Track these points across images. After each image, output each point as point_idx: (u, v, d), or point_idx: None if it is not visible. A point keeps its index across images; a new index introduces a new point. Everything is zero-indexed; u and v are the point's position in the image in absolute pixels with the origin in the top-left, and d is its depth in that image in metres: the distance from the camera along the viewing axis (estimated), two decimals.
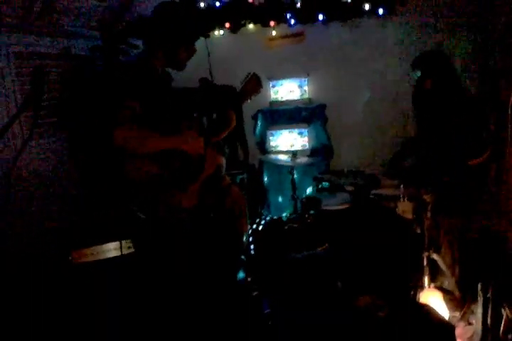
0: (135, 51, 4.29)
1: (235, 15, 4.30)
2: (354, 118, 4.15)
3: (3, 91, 3.27)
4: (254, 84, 2.72)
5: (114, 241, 2.61)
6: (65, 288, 2.54)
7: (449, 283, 2.84)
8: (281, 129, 4.03)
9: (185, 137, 2.28)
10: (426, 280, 2.73)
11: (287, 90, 4.14)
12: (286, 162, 3.44)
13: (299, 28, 4.22)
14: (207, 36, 4.27)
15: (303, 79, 4.12)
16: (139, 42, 4.37)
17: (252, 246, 3.39)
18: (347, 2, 4.03)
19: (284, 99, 4.16)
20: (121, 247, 2.63)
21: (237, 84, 2.80)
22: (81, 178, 3.73)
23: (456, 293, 2.78)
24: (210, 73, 3.85)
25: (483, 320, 2.24)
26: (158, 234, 2.29)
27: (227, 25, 4.30)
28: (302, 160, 3.51)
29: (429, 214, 2.88)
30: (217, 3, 4.30)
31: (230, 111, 2.68)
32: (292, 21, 4.16)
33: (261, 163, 4.11)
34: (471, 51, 3.76)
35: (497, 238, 3.01)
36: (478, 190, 3.07)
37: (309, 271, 2.52)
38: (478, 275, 2.57)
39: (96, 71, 3.91)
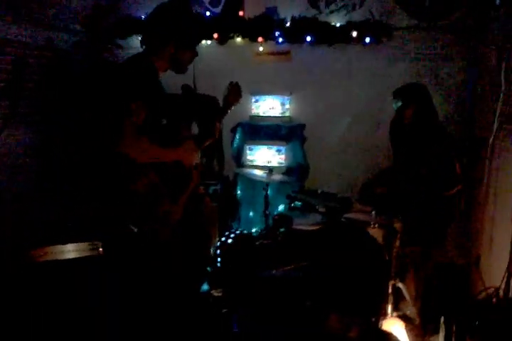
0: (120, 51, 4.28)
1: (224, 27, 4.32)
2: (332, 141, 4.20)
3: None
4: (236, 94, 2.80)
5: (82, 241, 2.54)
6: (22, 286, 2.44)
7: (410, 311, 2.89)
8: (260, 144, 4.04)
9: (185, 149, 2.25)
10: (389, 308, 2.77)
11: (269, 106, 4.16)
12: (261, 177, 3.45)
13: (286, 46, 4.27)
14: None
15: (285, 97, 4.15)
16: (122, 42, 4.39)
17: (218, 259, 3.36)
18: (336, 27, 4.14)
19: (264, 114, 4.18)
20: (89, 249, 2.57)
21: (219, 94, 2.83)
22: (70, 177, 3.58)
23: (417, 322, 2.84)
24: (194, 81, 3.85)
25: None
26: (148, 246, 2.23)
27: (215, 35, 4.30)
28: (277, 177, 3.52)
29: (397, 243, 2.94)
30: (208, 13, 4.31)
31: (216, 122, 2.70)
32: (280, 39, 4.22)
33: (236, 175, 4.11)
34: (452, 85, 3.89)
35: (460, 272, 3.10)
36: (447, 222, 3.17)
37: (280, 289, 2.51)
38: (440, 307, 2.63)
39: (81, 67, 3.82)
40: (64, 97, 3.59)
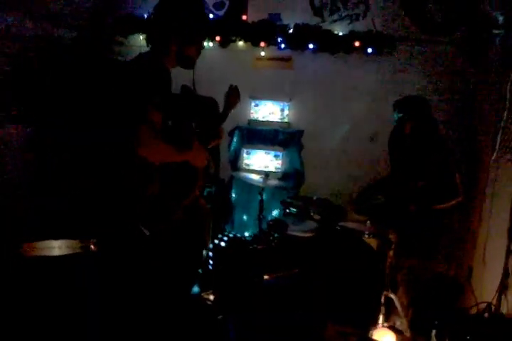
0: (121, 49, 4.25)
1: (227, 30, 4.31)
2: (329, 149, 4.21)
3: None
4: (235, 96, 2.90)
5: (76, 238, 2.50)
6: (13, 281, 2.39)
7: (401, 323, 2.88)
8: (258, 149, 4.04)
9: (195, 150, 2.23)
10: (380, 318, 2.77)
11: (268, 111, 4.17)
12: (257, 182, 3.43)
13: (288, 52, 4.28)
14: None
15: (285, 103, 4.16)
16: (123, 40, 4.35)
17: (210, 261, 3.33)
18: (338, 36, 4.15)
19: (263, 119, 4.18)
20: (80, 246, 2.53)
21: (218, 96, 2.86)
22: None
23: (407, 334, 2.83)
24: (193, 82, 3.83)
25: None
26: (147, 247, 2.19)
27: (217, 38, 4.29)
28: (273, 182, 3.52)
29: (391, 253, 2.94)
30: (211, 16, 4.31)
31: (219, 126, 2.73)
32: (282, 45, 4.22)
33: (231, 178, 4.10)
34: (452, 99, 3.92)
35: (452, 284, 3.11)
36: (440, 234, 3.18)
37: (275, 297, 2.49)
38: (431, 319, 2.63)
39: (82, 63, 3.77)
40: (63, 93, 3.54)
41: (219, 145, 3.99)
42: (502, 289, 2.57)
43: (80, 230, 2.57)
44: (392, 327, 2.84)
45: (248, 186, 3.78)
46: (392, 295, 2.84)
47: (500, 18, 3.46)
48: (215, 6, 4.38)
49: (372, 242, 3.06)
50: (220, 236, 3.55)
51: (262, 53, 4.29)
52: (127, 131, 2.00)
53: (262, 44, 4.26)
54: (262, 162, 4.01)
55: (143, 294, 2.31)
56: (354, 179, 4.04)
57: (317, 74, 4.24)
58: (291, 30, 4.19)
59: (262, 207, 3.42)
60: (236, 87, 2.90)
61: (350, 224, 3.17)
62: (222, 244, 3.46)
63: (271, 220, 3.33)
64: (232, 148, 4.17)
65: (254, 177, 3.52)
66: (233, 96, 2.91)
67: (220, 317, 2.56)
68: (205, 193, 3.74)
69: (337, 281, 2.59)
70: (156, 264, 2.35)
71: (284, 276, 2.69)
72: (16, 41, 3.42)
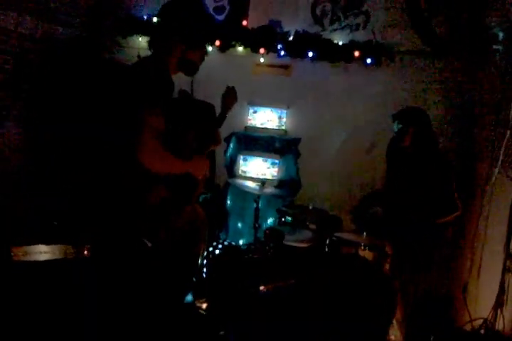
0: (120, 50, 4.21)
1: (227, 35, 4.29)
2: (326, 158, 4.20)
3: None
4: (232, 97, 2.88)
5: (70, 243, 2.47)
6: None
7: (395, 336, 2.87)
8: (255, 156, 4.01)
9: (195, 159, 2.19)
10: None
11: (265, 118, 4.15)
12: (253, 189, 3.40)
13: (287, 60, 4.27)
14: None
15: (283, 111, 4.15)
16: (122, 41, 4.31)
17: (204, 269, 3.29)
18: (338, 45, 4.16)
19: (261, 126, 4.16)
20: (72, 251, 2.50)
21: (216, 101, 2.84)
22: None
23: None
24: (192, 87, 3.80)
25: None
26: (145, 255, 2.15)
27: (217, 42, 4.27)
28: (269, 190, 3.48)
29: (387, 266, 2.93)
30: None
31: (217, 129, 2.70)
32: (282, 52, 4.21)
33: (227, 185, 4.06)
34: (449, 114, 3.94)
35: (446, 299, 3.11)
36: (435, 248, 3.18)
37: (275, 307, 2.46)
38: (426, 333, 2.62)
39: (80, 63, 3.72)
40: (63, 93, 3.49)
41: (215, 150, 3.97)
42: (497, 306, 2.57)
43: (76, 235, 2.54)
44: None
45: (243, 193, 3.74)
46: None
47: (501, 34, 3.50)
48: (215, 10, 4.36)
49: (368, 254, 3.04)
50: (214, 243, 3.51)
51: (262, 59, 4.28)
52: (128, 133, 1.97)
53: (262, 50, 4.24)
54: (259, 169, 3.98)
55: (136, 301, 2.28)
56: (351, 188, 4.04)
57: (316, 82, 4.24)
58: (291, 38, 4.20)
59: (257, 215, 3.39)
60: (233, 87, 2.89)
61: (346, 235, 3.15)
62: (217, 251, 3.42)
63: (267, 229, 3.30)
64: (228, 154, 4.14)
65: (250, 184, 3.50)
66: (230, 97, 2.89)
67: (221, 332, 2.50)
68: (200, 200, 3.71)
69: (334, 292, 2.56)
70: (151, 272, 2.31)
71: (281, 287, 2.66)
72: (15, 40, 3.37)
